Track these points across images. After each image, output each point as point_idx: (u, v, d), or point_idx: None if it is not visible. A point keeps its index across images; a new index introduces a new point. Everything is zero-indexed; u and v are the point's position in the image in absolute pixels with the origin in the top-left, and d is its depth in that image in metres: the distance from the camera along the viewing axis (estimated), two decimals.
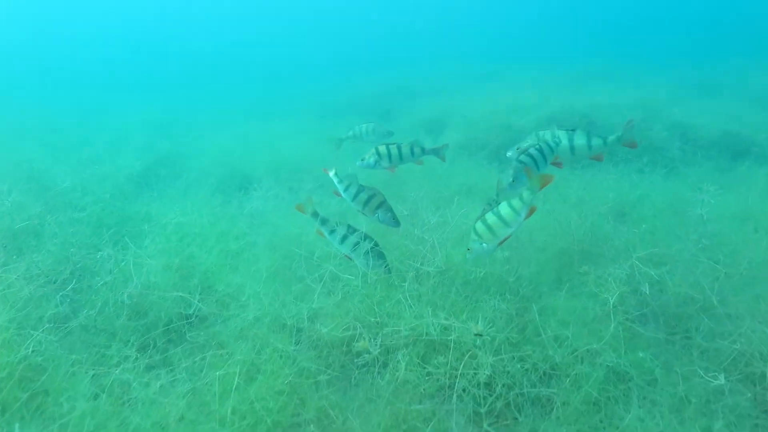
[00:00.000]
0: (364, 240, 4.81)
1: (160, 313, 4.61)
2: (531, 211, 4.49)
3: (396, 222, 5.54)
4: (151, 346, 4.32)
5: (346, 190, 5.73)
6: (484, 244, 4.47)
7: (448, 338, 4.06)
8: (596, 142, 5.57)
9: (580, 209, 7.67)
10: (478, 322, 3.85)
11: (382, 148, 6.46)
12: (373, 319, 4.29)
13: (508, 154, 5.91)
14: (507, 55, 28.05)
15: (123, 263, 4.91)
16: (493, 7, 51.63)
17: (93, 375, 3.81)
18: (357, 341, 3.97)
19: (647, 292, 4.89)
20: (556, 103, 12.87)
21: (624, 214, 7.74)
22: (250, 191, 8.02)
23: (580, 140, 5.60)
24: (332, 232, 4.98)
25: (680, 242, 5.99)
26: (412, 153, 6.62)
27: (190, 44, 40.59)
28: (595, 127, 11.98)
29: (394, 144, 6.55)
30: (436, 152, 6.87)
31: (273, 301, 4.55)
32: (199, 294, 4.89)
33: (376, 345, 4.03)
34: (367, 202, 5.62)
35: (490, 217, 4.44)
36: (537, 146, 5.28)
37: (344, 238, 4.87)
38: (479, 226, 4.45)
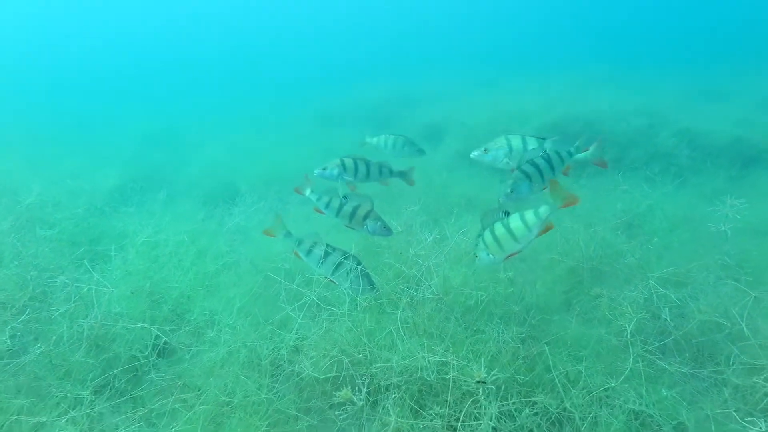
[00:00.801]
0: (347, 260, 4.34)
1: (123, 346, 4.11)
2: (546, 229, 3.96)
3: (388, 231, 5.07)
4: (109, 387, 3.83)
5: (327, 205, 5.27)
6: (491, 256, 4.00)
7: (446, 377, 3.56)
8: (564, 153, 5.00)
9: (588, 222, 7.21)
10: (480, 365, 3.34)
11: (349, 161, 5.92)
12: (360, 355, 3.80)
13: (473, 155, 5.38)
14: (507, 61, 27.68)
15: (86, 289, 4.42)
16: (493, 13, 51.34)
17: (35, 424, 3.31)
18: (339, 389, 3.46)
19: (668, 319, 4.40)
20: (559, 109, 12.41)
21: (633, 226, 7.24)
22: (237, 205, 7.53)
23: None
24: (309, 252, 4.52)
25: (699, 259, 5.50)
26: (380, 173, 6.11)
27: (188, 52, 40.24)
28: (593, 133, 11.52)
29: (362, 159, 6.01)
30: (403, 175, 6.36)
31: (250, 332, 4.06)
32: (170, 324, 4.40)
33: (363, 387, 3.53)
34: (353, 215, 5.16)
35: (499, 229, 3.96)
36: (544, 154, 4.78)
37: (324, 259, 4.41)
38: (487, 236, 3.99)
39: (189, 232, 6.18)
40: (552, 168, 4.74)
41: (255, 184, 9.90)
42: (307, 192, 5.54)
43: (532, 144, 5.27)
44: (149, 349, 4.14)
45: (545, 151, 4.85)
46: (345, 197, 5.26)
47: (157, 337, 4.18)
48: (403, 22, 51.19)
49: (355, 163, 5.94)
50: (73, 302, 4.29)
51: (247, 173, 10.35)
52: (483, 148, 5.28)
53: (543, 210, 3.97)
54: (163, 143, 13.83)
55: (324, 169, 5.91)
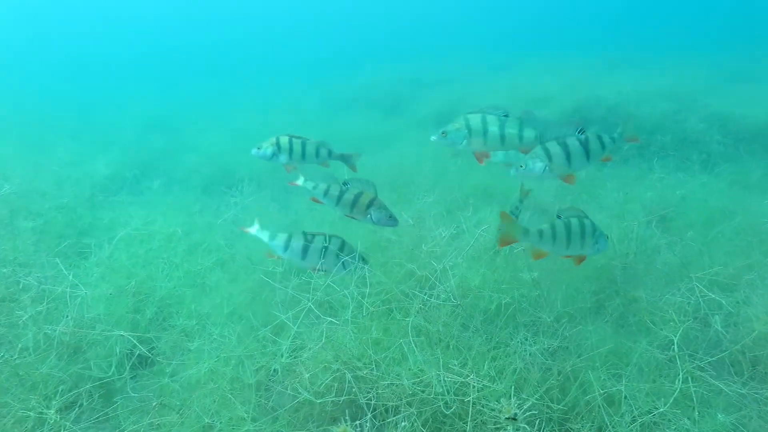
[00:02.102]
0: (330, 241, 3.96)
1: (98, 356, 3.64)
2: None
3: (394, 220, 4.48)
4: (77, 406, 3.37)
5: (325, 193, 4.73)
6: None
7: (465, 399, 3.04)
8: (528, 133, 4.29)
9: (616, 213, 6.62)
10: (505, 387, 2.82)
11: (284, 140, 5.36)
12: (366, 370, 3.29)
13: (432, 138, 4.72)
14: (523, 45, 26.80)
15: (60, 289, 3.94)
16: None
17: None
18: (341, 414, 2.96)
19: (719, 328, 3.84)
20: (581, 92, 11.73)
21: (666, 219, 6.65)
22: (236, 194, 7.03)
23: (511, 129, 4.31)
24: (287, 246, 4.05)
25: (747, 258, 4.92)
26: (317, 154, 5.51)
27: (194, 36, 39.58)
28: (617, 117, 10.87)
29: (299, 138, 5.46)
30: (345, 159, 5.76)
31: (241, 341, 3.57)
32: (154, 329, 3.92)
33: (368, 410, 3.02)
34: (354, 203, 4.57)
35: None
36: (583, 136, 4.12)
37: (306, 248, 3.94)
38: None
39: (183, 224, 5.71)
40: (587, 153, 4.10)
41: (257, 171, 9.40)
42: (301, 181, 5.00)
43: (493, 124, 4.47)
44: (126, 359, 3.67)
45: (584, 132, 4.18)
46: (345, 184, 4.72)
47: (137, 345, 3.70)
48: (416, 5, 50.02)
49: (291, 143, 5.38)
50: (45, 304, 3.82)
51: (250, 160, 9.84)
52: (441, 131, 4.55)
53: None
54: (164, 130, 13.34)
55: (258, 148, 5.37)
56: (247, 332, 3.61)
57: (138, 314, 4.03)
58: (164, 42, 36.56)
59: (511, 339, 3.54)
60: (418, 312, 3.68)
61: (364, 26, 44.52)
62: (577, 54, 18.86)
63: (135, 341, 3.58)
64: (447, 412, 2.99)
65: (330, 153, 5.59)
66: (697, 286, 4.16)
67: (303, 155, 5.49)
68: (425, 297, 3.68)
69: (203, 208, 6.50)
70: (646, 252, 5.30)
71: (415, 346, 3.52)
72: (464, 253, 4.13)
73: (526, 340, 3.46)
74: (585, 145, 4.10)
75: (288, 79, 22.01)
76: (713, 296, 4.04)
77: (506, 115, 4.43)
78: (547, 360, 3.36)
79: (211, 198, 7.21)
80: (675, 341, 3.54)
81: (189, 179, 8.36)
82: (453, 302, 3.63)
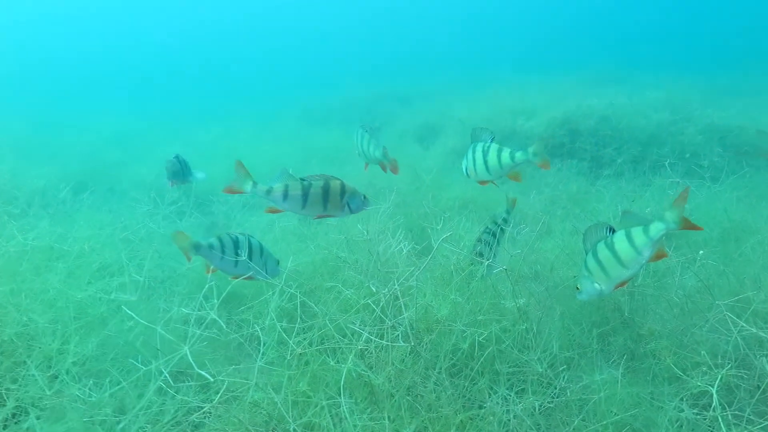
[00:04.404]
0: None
1: None
2: (658, 255, 3.15)
3: (368, 201, 3.78)
4: None
5: (285, 195, 3.70)
6: (597, 285, 3.19)
7: None
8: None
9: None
10: None
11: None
12: None
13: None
14: (507, 61, 26.25)
15: None
16: (492, 13, 49.76)
17: None
18: None
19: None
20: (570, 103, 10.92)
21: (673, 235, 5.74)
22: (185, 212, 6.08)
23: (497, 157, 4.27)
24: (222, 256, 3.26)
25: None
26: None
27: (170, 50, 38.77)
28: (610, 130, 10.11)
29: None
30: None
31: (99, 403, 2.53)
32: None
33: None
34: (326, 197, 3.68)
35: (603, 251, 3.22)
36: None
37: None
38: (590, 260, 3.25)
39: (104, 238, 4.68)
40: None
41: (216, 186, 8.46)
42: (248, 187, 3.92)
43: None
44: None
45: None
46: (304, 179, 3.72)
47: None
48: (397, 21, 49.71)
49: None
50: None
51: (211, 174, 8.94)
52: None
53: (655, 228, 3.08)
54: (123, 144, 12.40)
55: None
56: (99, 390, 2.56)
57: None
58: (139, 57, 35.71)
59: (489, 394, 2.53)
60: (359, 355, 2.67)
61: (346, 43, 44.07)
62: (563, 71, 18.23)
63: None
64: None
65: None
66: (728, 316, 3.20)
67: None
68: (370, 334, 2.66)
69: (133, 220, 5.45)
70: (656, 274, 4.35)
71: (355, 403, 2.51)
72: (421, 273, 3.13)
73: (509, 397, 2.45)
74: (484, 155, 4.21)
75: (269, 93, 21.23)
76: (752, 330, 3.07)
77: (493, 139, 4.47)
78: (537, 428, 2.35)
79: (146, 211, 6.16)
80: (714, 394, 2.56)
81: (130, 193, 7.34)
82: (406, 343, 2.61)
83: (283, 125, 14.88)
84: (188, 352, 2.29)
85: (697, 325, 3.28)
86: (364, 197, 3.79)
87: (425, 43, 41.07)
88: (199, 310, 2.58)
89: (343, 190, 3.71)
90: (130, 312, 2.57)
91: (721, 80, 15.52)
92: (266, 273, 3.54)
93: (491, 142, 4.35)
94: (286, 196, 3.67)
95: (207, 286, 3.10)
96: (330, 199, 3.69)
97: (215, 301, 2.65)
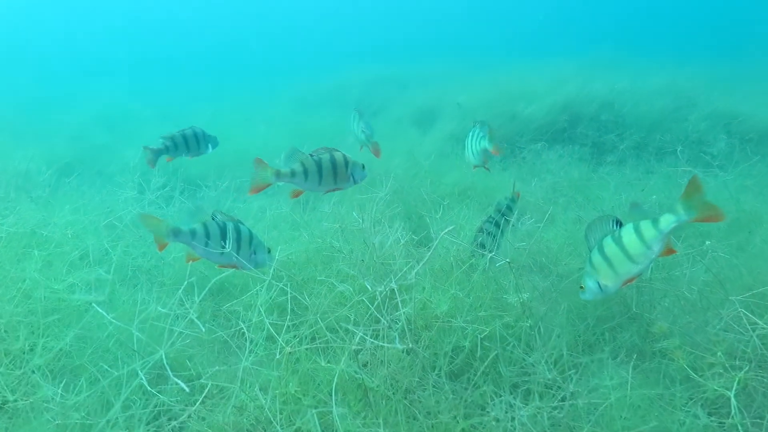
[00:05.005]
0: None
1: None
2: (667, 250, 2.95)
3: (364, 170, 3.90)
4: None
5: (305, 176, 3.68)
6: (602, 282, 2.99)
7: None
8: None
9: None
10: None
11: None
12: None
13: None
14: (506, 46, 25.89)
15: None
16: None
17: None
18: None
19: None
20: (570, 88, 10.66)
21: (678, 226, 5.54)
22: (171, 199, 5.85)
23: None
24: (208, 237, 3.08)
25: None
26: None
27: (166, 33, 38.03)
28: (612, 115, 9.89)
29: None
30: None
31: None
32: None
33: None
34: (335, 171, 3.72)
35: (610, 246, 2.99)
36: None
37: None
38: (596, 256, 3.02)
39: (82, 224, 4.45)
40: None
41: (205, 170, 8.23)
42: (272, 178, 3.62)
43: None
44: None
45: None
46: (312, 155, 3.77)
47: None
48: (397, 3, 48.80)
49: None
50: None
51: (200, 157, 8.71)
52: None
53: (665, 221, 2.87)
54: (112, 125, 12.09)
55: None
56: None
57: None
58: (133, 37, 35.06)
59: (492, 399, 2.35)
60: (353, 356, 2.48)
61: (340, 25, 43.35)
62: (565, 56, 17.87)
63: None
64: None
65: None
66: (743, 313, 3.02)
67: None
68: (365, 332, 2.47)
69: (117, 205, 5.21)
70: (664, 266, 4.17)
71: (349, 407, 2.33)
72: (425, 267, 2.93)
73: (513, 403, 2.27)
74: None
75: (259, 78, 20.83)
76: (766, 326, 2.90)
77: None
78: None
79: (135, 198, 5.93)
80: (732, 398, 2.39)
81: (117, 177, 7.09)
82: (404, 345, 2.42)
83: (276, 108, 14.56)
84: (164, 356, 2.09)
85: (711, 323, 3.09)
86: (363, 166, 3.86)
87: (423, 26, 40.51)
88: (179, 307, 2.38)
89: (345, 160, 3.78)
90: (101, 311, 2.35)
91: (725, 66, 15.22)
92: (256, 262, 3.35)
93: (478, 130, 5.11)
94: (306, 174, 3.69)
95: (190, 279, 2.90)
96: (338, 171, 3.76)
97: (196, 298, 2.44)
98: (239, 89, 18.28)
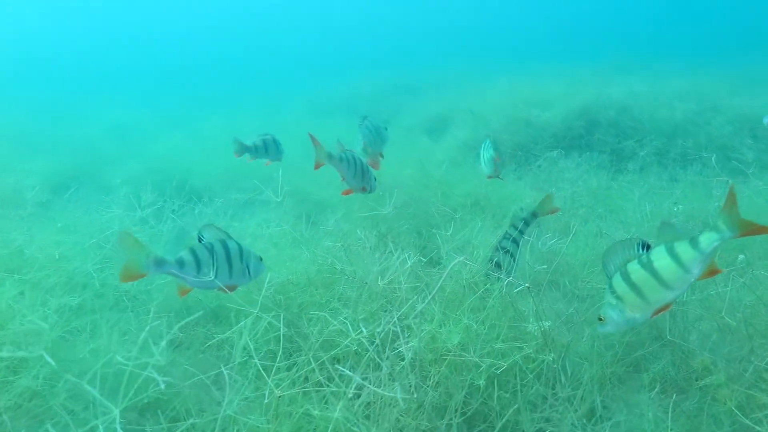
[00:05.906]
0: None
1: None
2: (711, 271, 2.50)
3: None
4: None
5: (353, 165, 4.40)
6: (629, 312, 2.60)
7: None
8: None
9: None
10: None
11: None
12: None
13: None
14: (520, 52, 25.54)
15: None
16: (501, 4, 48.57)
17: None
18: None
19: None
20: (587, 93, 10.29)
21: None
22: (175, 209, 5.64)
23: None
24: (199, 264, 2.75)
25: None
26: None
27: (177, 40, 38.30)
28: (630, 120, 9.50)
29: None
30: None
31: None
32: None
33: None
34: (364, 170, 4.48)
35: (637, 271, 2.61)
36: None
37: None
38: (618, 282, 2.64)
39: (71, 245, 4.20)
40: None
41: (210, 181, 8.04)
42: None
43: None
44: None
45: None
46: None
47: None
48: (409, 10, 48.68)
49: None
50: None
51: (209, 168, 8.52)
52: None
53: (707, 240, 2.44)
54: (122, 135, 11.99)
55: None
56: None
57: None
58: (144, 47, 35.34)
59: None
60: (350, 402, 2.17)
61: (351, 32, 43.29)
62: (580, 60, 17.48)
63: None
64: None
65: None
66: None
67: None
68: (362, 378, 2.16)
69: (112, 223, 4.96)
70: (698, 285, 3.81)
71: None
72: (437, 292, 2.63)
73: None
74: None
75: (273, 85, 20.74)
76: None
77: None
78: None
79: (135, 212, 5.70)
80: None
81: (119, 190, 6.87)
82: (407, 395, 2.11)
83: (288, 116, 14.37)
84: (118, 415, 1.81)
85: (756, 352, 2.74)
86: (374, 177, 4.59)
87: (435, 32, 40.30)
88: (155, 344, 2.10)
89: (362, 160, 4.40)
90: (49, 360, 2.07)
91: (748, 68, 14.72)
92: (249, 275, 3.03)
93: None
94: (354, 167, 4.29)
95: (180, 305, 2.62)
96: (366, 174, 4.34)
97: (174, 328, 2.16)
98: (250, 98, 18.16)
